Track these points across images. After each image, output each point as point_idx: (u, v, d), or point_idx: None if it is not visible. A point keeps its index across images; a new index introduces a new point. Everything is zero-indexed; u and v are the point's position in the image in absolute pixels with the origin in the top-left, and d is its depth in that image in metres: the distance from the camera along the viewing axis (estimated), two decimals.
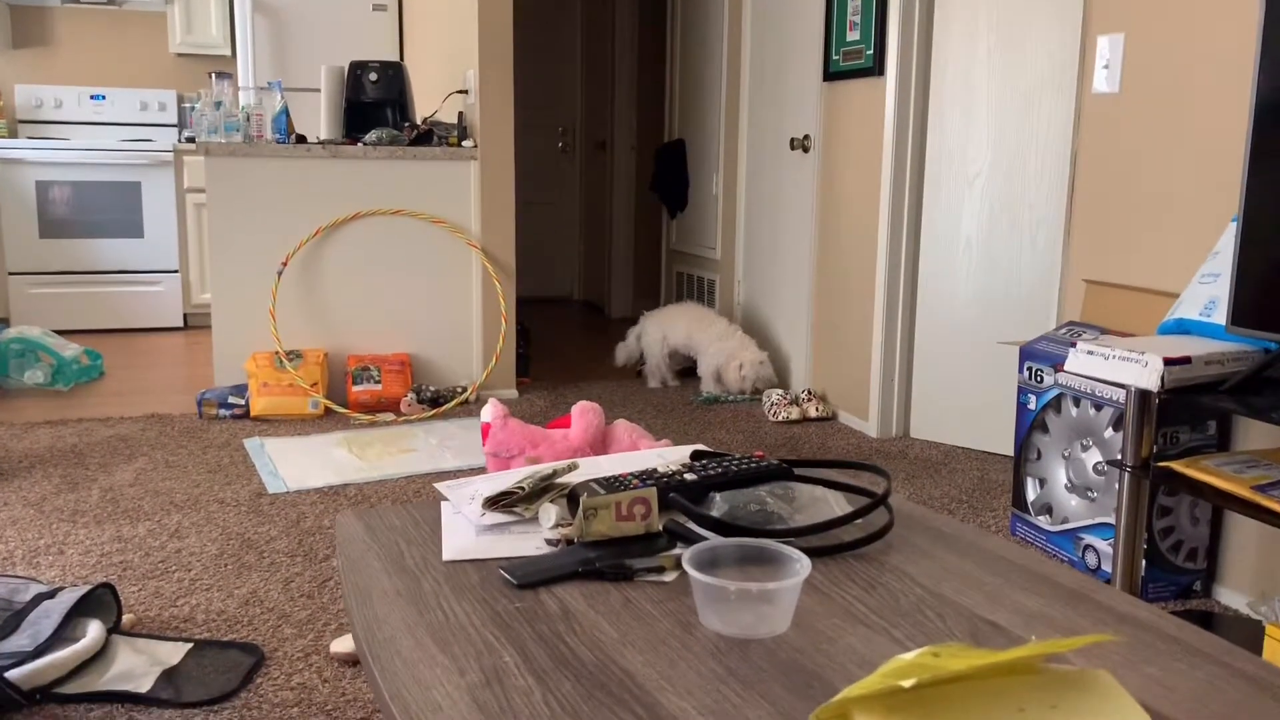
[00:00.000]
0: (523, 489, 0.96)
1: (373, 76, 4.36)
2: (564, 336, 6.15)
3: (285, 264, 4.15)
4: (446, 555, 0.95)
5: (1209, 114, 2.59)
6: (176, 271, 5.95)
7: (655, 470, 0.96)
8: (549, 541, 0.94)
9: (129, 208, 5.82)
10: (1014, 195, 3.53)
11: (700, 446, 1.10)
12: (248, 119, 4.13)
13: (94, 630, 2.17)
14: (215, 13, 6.14)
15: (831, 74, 4.10)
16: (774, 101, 4.58)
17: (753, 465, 0.95)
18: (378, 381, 4.15)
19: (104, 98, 6.20)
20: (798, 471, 1.00)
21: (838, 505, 0.93)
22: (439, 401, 4.20)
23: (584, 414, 3.29)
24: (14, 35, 6.11)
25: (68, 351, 4.60)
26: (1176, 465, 2.12)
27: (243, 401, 4.07)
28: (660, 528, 0.89)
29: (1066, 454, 2.80)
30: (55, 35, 6.18)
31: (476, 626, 0.87)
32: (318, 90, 4.96)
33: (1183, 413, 2.50)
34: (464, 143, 4.34)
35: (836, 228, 4.14)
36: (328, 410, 4.11)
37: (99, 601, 2.28)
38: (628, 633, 0.84)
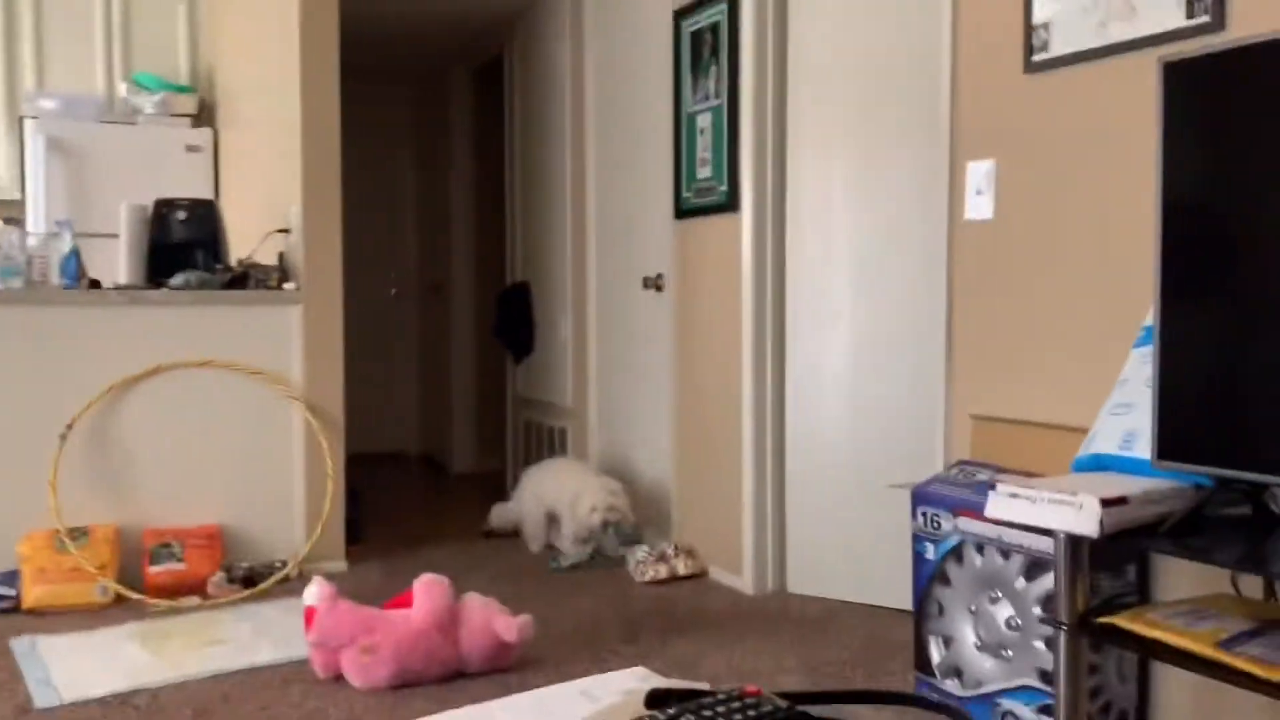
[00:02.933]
0: None
1: (181, 215, 3.92)
2: (400, 497, 5.64)
3: (70, 426, 3.57)
4: None
5: (1091, 238, 2.48)
6: None
7: None
8: None
9: None
10: (881, 329, 3.37)
11: (655, 681, 0.74)
12: (29, 262, 3.61)
13: None
14: (3, 152, 5.57)
15: (683, 211, 3.93)
16: (624, 240, 4.37)
17: (751, 712, 0.60)
18: (180, 559, 3.57)
19: None
20: (813, 712, 0.65)
21: None
22: (254, 580, 3.64)
23: (429, 590, 2.84)
24: None
25: None
26: (1121, 621, 1.86)
27: (13, 592, 3.41)
28: None
29: (973, 609, 2.53)
30: None
31: None
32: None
33: (1100, 559, 2.28)
34: (285, 285, 3.92)
35: (696, 369, 3.90)
36: (119, 597, 3.48)
37: None
38: None
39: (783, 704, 0.64)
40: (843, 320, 3.46)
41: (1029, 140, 2.62)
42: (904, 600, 3.36)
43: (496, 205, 6.13)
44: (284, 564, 3.74)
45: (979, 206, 2.74)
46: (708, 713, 0.62)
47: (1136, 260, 2.35)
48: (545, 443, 5.15)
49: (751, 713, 0.62)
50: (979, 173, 2.74)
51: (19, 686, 2.77)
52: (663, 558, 3.83)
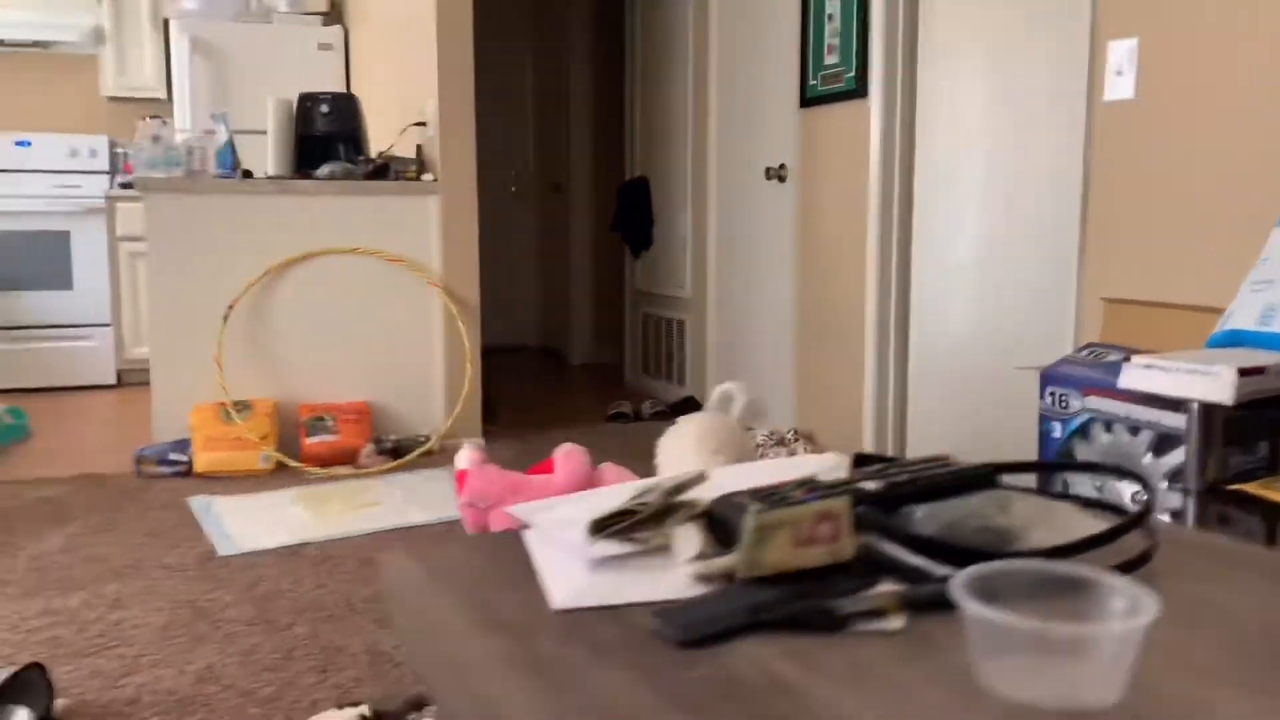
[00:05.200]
0: (645, 506, 0.70)
1: (324, 108, 4.10)
2: (525, 385, 5.87)
3: (232, 307, 3.84)
4: (558, 602, 0.68)
5: (1232, 115, 2.45)
6: (109, 325, 5.57)
7: (814, 479, 0.72)
8: (703, 578, 0.68)
9: (57, 258, 5.46)
10: (1012, 214, 3.37)
11: (863, 450, 0.86)
12: (189, 153, 3.84)
13: (22, 719, 1.84)
14: (150, 54, 5.84)
15: (809, 99, 3.94)
16: (746, 131, 4.41)
17: (948, 470, 0.71)
18: (334, 432, 3.84)
19: (30, 144, 5.85)
20: (1005, 480, 0.76)
21: (1075, 520, 0.70)
22: (400, 452, 3.90)
23: (569, 457, 3.02)
24: None
25: None
26: (1252, 489, 1.92)
27: (185, 458, 3.73)
28: (852, 555, 0.65)
29: (1099, 485, 2.59)
30: None
31: (651, 710, 0.60)
32: (261, 132, 4.67)
33: (1233, 434, 2.31)
34: (423, 176, 4.09)
35: (819, 258, 3.96)
36: (279, 465, 3.78)
37: (26, 685, 1.94)
38: (888, 712, 0.59)
39: (979, 467, 0.74)
40: (972, 206, 3.47)
41: (1174, 17, 2.57)
42: (1027, 482, 3.43)
43: (615, 103, 6.20)
44: (427, 438, 3.98)
45: (1120, 87, 2.71)
46: (910, 471, 0.73)
47: None
48: (663, 334, 5.29)
49: (952, 471, 0.73)
50: (1121, 52, 2.71)
51: (201, 538, 3.07)
52: (782, 441, 3.96)
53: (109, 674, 2.17)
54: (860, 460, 0.79)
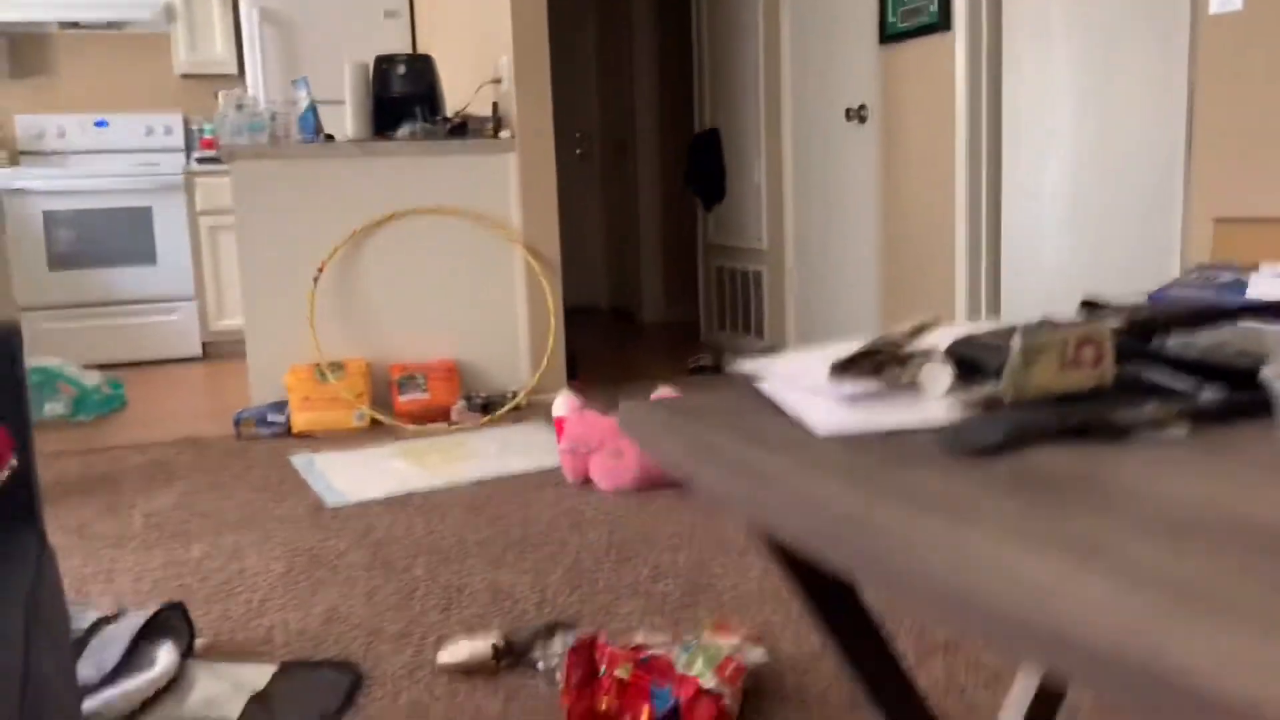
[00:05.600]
0: (896, 346, 0.70)
1: (400, 69, 4.12)
2: (600, 343, 5.89)
3: (321, 270, 3.89)
4: (824, 430, 0.68)
5: None
6: (193, 299, 5.68)
7: (1050, 319, 0.71)
8: (967, 405, 0.68)
9: (140, 234, 5.57)
10: (1108, 140, 3.29)
11: (1089, 297, 0.85)
12: (273, 118, 3.89)
13: (166, 655, 1.90)
14: (220, 29, 5.91)
15: (889, 36, 3.87)
16: (822, 72, 4.34)
17: (1189, 305, 0.70)
18: (425, 390, 3.88)
19: (107, 124, 5.96)
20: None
21: None
22: (490, 408, 3.93)
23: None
24: (12, 65, 5.88)
25: (89, 381, 4.33)
26: None
27: (283, 418, 3.80)
28: (1113, 380, 0.64)
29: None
30: (55, 63, 5.95)
31: (969, 494, 0.59)
32: (333, 101, 4.69)
33: None
34: (500, 133, 4.10)
35: (904, 200, 3.90)
36: (374, 423, 3.83)
37: (167, 625, 2.00)
38: (1211, 490, 0.58)
39: (1220, 304, 0.72)
40: (1064, 134, 3.39)
41: None
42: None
43: (682, 56, 6.14)
44: (515, 394, 4.01)
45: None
46: (1147, 309, 0.71)
47: None
48: (739, 287, 5.27)
49: (1189, 309, 0.71)
50: None
51: (307, 492, 3.13)
52: None
53: (238, 617, 2.22)
54: (1088, 305, 0.78)
